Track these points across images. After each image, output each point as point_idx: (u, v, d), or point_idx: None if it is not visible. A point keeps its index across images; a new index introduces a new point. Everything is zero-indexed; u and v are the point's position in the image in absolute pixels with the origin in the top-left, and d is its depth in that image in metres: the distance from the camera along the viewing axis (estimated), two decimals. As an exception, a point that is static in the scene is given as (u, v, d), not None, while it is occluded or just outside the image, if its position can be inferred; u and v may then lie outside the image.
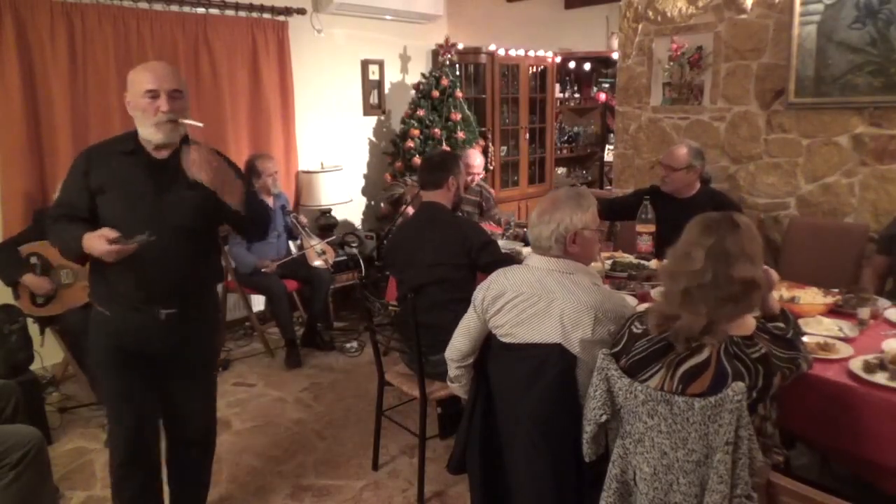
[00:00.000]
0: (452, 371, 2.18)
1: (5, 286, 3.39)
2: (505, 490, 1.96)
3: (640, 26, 4.31)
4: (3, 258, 3.35)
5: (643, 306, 2.26)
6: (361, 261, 4.70)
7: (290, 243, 4.53)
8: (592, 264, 2.91)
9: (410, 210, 4.51)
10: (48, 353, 3.63)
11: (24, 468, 2.18)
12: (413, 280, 2.73)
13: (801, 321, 2.29)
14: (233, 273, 4.27)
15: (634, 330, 1.71)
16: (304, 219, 4.51)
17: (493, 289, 1.97)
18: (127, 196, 1.97)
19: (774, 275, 1.82)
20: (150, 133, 1.96)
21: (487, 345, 2.05)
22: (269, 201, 4.28)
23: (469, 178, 4.19)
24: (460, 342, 2.10)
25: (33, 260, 3.38)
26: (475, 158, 4.37)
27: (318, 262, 4.32)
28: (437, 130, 5.14)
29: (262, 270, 4.11)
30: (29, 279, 3.33)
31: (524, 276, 1.92)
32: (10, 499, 2.18)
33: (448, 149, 4.93)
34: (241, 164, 4.26)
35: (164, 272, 2.00)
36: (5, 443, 2.19)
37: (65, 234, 1.98)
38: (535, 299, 1.86)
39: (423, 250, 2.68)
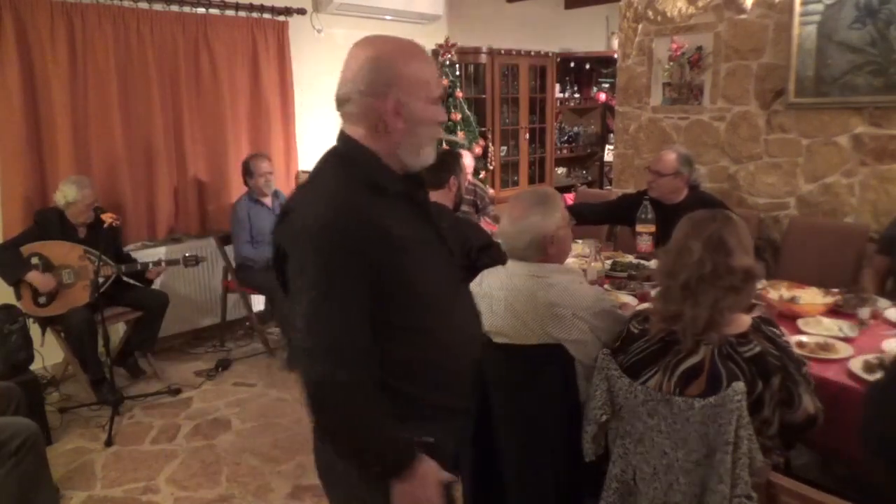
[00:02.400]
0: None
1: (8, 286, 3.39)
2: (500, 490, 1.97)
3: (640, 26, 4.31)
4: (5, 258, 3.35)
5: (643, 306, 2.26)
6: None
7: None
8: (593, 264, 2.94)
9: None
10: (48, 353, 3.63)
11: (23, 455, 2.26)
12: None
13: (800, 321, 2.30)
14: (233, 273, 4.27)
15: (632, 329, 1.71)
16: None
17: (477, 291, 1.97)
18: (430, 258, 1.30)
19: None
20: (426, 156, 1.31)
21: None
22: (269, 201, 4.28)
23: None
24: None
25: (34, 260, 3.39)
26: (466, 159, 4.36)
27: None
28: (437, 130, 5.14)
29: None
30: (33, 276, 3.34)
31: (506, 280, 1.92)
32: (12, 485, 2.25)
33: (447, 147, 4.94)
34: (240, 165, 4.28)
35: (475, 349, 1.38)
36: (4, 432, 2.26)
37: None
38: (518, 302, 1.86)
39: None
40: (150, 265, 3.77)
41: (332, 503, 1.35)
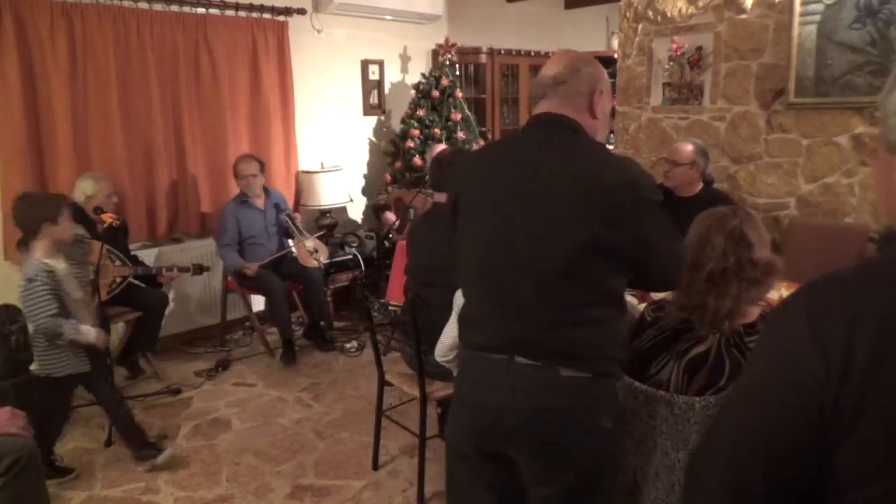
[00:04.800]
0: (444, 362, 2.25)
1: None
2: None
3: (640, 26, 4.31)
4: None
5: (643, 305, 2.26)
6: (361, 261, 4.70)
7: (290, 242, 4.53)
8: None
9: (391, 216, 4.51)
10: (48, 353, 3.63)
11: (12, 477, 2.11)
12: (416, 279, 2.73)
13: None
14: (233, 273, 4.27)
15: (646, 317, 1.74)
16: (298, 216, 4.47)
17: None
18: None
19: None
20: None
21: None
22: (260, 202, 4.25)
23: None
24: (444, 338, 2.15)
25: None
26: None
27: (312, 262, 4.26)
28: (437, 130, 5.15)
29: (245, 271, 4.08)
30: None
31: None
32: None
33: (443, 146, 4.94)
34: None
35: None
36: None
37: None
38: None
39: (425, 251, 2.68)
40: (164, 270, 3.79)
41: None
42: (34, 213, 2.61)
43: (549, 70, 1.53)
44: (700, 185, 3.28)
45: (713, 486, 0.75)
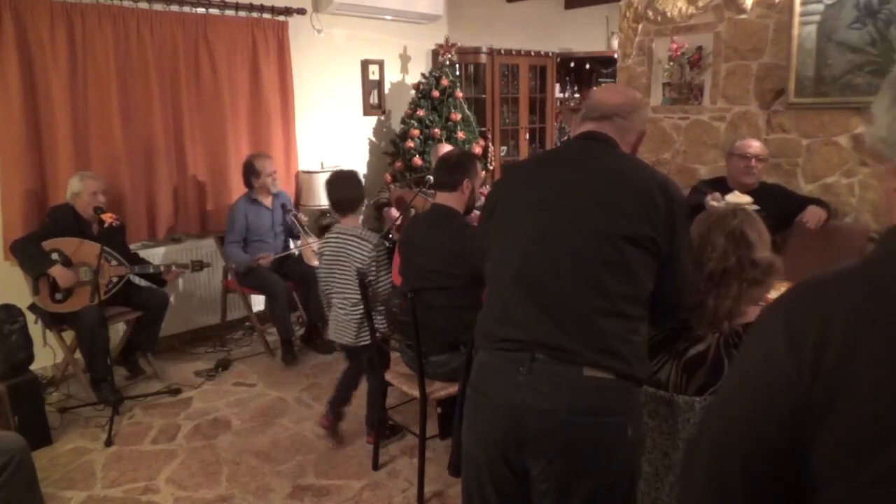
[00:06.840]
0: None
1: (32, 278, 3.42)
2: None
3: (640, 26, 4.31)
4: (30, 251, 3.38)
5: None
6: (361, 261, 4.69)
7: (293, 242, 4.53)
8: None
9: (394, 212, 4.51)
10: (48, 353, 3.63)
11: (6, 479, 2.08)
12: (412, 281, 2.72)
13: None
14: (233, 273, 4.27)
15: None
16: (303, 217, 4.49)
17: None
18: None
19: None
20: None
21: None
22: (268, 201, 4.27)
23: None
24: None
25: (55, 256, 3.42)
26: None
27: (315, 262, 4.28)
28: (437, 130, 5.14)
29: (259, 262, 4.09)
30: (57, 270, 3.37)
31: None
32: None
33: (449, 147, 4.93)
34: (240, 165, 4.27)
35: None
36: None
37: None
38: None
39: (423, 253, 2.66)
40: (162, 268, 3.79)
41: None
42: (358, 189, 3.09)
43: (611, 98, 1.63)
44: None
45: (699, 484, 0.77)
